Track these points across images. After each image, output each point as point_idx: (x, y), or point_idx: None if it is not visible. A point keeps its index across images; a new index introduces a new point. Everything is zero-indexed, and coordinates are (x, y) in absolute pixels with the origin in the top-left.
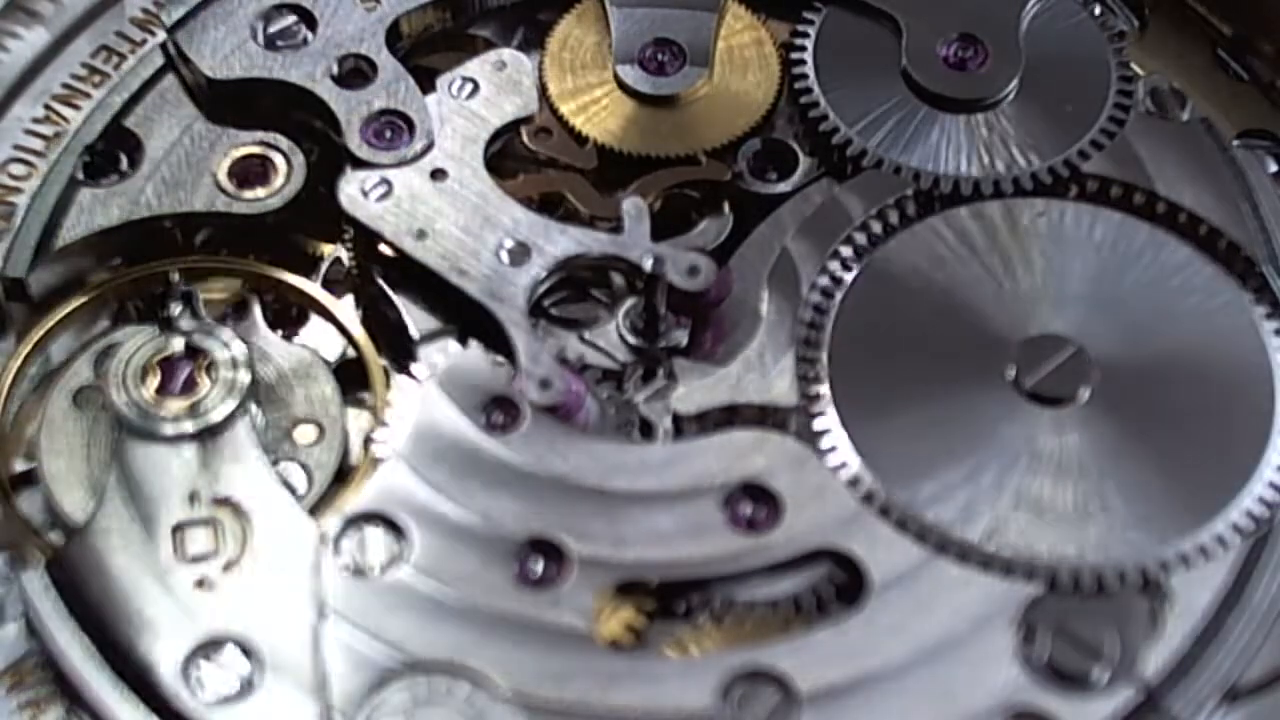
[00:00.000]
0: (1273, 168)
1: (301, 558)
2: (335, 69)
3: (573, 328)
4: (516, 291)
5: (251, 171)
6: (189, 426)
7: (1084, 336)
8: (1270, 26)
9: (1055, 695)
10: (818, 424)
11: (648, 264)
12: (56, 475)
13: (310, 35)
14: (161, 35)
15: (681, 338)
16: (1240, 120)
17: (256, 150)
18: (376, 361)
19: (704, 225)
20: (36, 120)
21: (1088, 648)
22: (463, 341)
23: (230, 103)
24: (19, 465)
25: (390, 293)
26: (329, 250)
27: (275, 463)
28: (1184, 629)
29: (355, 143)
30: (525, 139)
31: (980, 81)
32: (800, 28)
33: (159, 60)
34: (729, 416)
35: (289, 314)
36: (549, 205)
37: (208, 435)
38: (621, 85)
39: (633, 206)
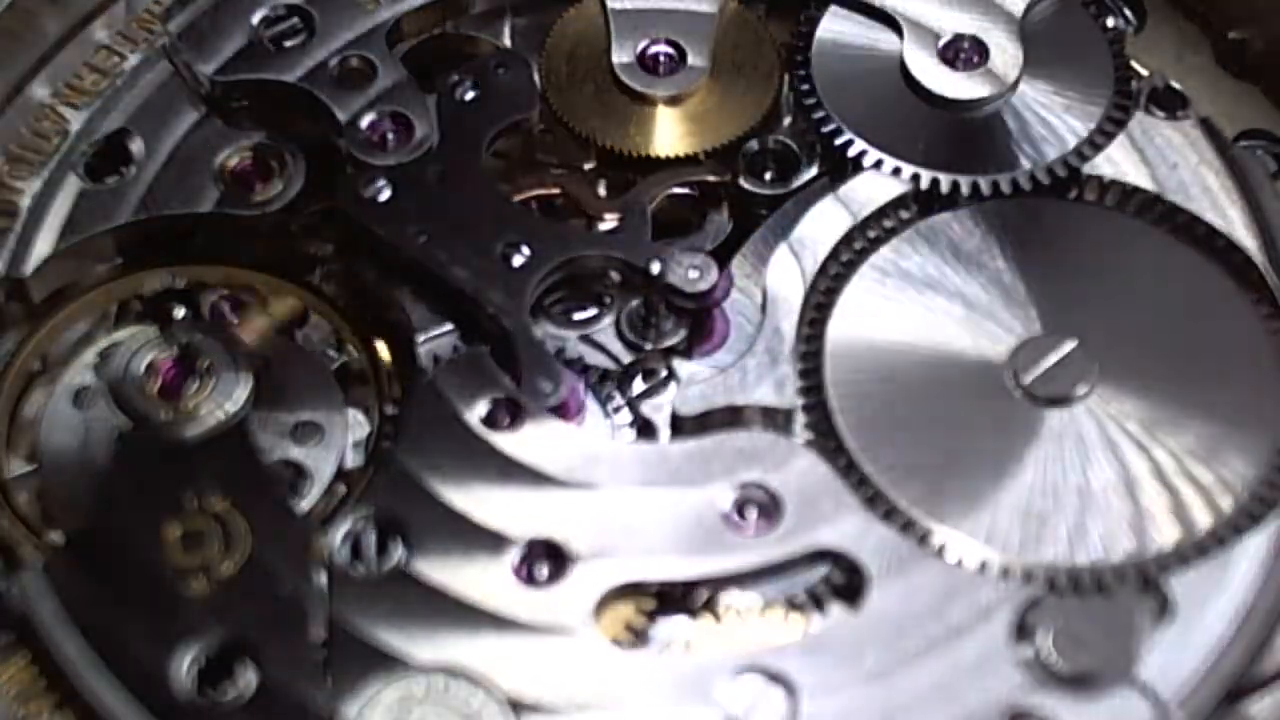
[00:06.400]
0: (1273, 168)
1: (301, 558)
2: (335, 69)
3: (573, 328)
4: (516, 292)
5: (251, 172)
6: (189, 427)
7: (1084, 337)
8: (1270, 26)
9: (1055, 695)
10: (818, 424)
11: (648, 265)
12: (56, 475)
13: (310, 35)
14: (161, 35)
15: (681, 338)
16: (1240, 120)
17: (256, 150)
18: (376, 361)
19: (704, 225)
20: (37, 120)
21: (1088, 648)
22: (463, 341)
23: (230, 103)
24: (19, 465)
25: (390, 293)
26: (328, 251)
27: (275, 463)
28: (1184, 629)
29: (355, 143)
30: (525, 139)
31: (980, 81)
32: (800, 28)
33: (159, 60)
34: (729, 417)
35: (288, 314)
36: (549, 205)
37: (208, 436)
38: (621, 85)
39: (633, 206)
